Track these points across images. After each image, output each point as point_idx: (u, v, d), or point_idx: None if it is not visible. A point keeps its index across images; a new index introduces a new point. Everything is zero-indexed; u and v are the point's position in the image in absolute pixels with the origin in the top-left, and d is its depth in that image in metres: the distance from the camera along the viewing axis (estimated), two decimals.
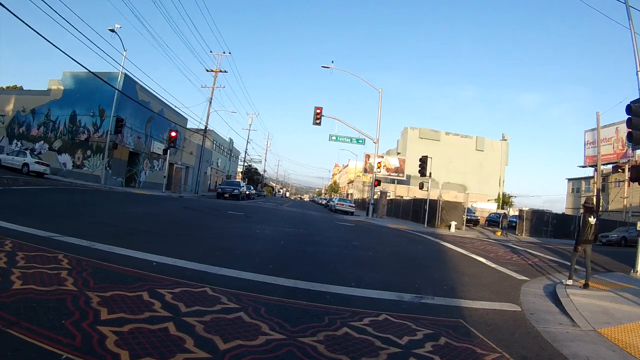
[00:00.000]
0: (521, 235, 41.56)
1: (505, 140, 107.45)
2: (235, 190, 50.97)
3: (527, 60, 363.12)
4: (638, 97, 17.26)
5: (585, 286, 11.83)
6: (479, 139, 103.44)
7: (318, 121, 41.05)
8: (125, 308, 5.21)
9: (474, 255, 17.88)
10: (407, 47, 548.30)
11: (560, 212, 57.44)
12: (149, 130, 51.09)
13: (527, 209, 46.80)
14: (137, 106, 45.69)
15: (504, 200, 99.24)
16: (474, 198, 78.33)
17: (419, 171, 39.04)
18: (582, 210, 13.75)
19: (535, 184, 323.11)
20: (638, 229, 17.45)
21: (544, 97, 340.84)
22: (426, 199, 40.05)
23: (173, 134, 45.28)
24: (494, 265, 15.24)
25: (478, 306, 8.32)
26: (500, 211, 78.46)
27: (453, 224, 36.13)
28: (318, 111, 41.05)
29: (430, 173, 38.39)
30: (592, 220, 12.64)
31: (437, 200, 42.52)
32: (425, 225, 38.24)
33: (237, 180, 72.74)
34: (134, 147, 47.72)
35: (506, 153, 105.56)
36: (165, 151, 46.49)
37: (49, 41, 27.01)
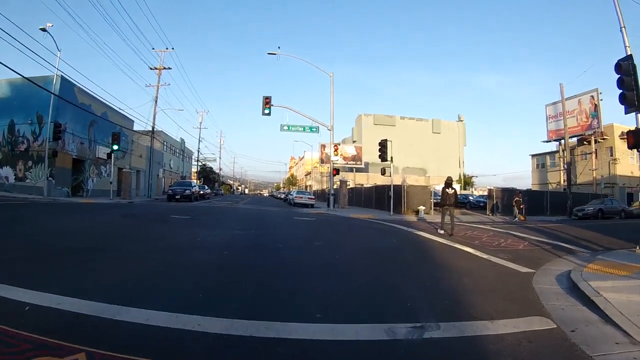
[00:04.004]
0: (492, 215, 40.44)
1: (462, 121, 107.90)
2: (187, 191, 48.68)
3: (478, 40, 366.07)
4: (625, 55, 15.59)
5: (451, 235, 18.62)
6: (435, 121, 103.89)
7: (267, 111, 39.27)
8: None
9: (457, 245, 15.57)
10: (355, 35, 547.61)
11: (525, 189, 55.81)
12: (93, 135, 48.33)
13: (495, 187, 45.22)
14: (78, 110, 42.94)
15: (466, 181, 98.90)
16: (435, 181, 76.81)
17: (379, 156, 36.86)
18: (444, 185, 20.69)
19: (494, 163, 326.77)
20: None
21: (498, 77, 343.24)
22: (389, 185, 38.12)
23: (115, 135, 43.07)
24: (485, 256, 12.96)
25: (502, 330, 5.81)
26: (470, 192, 77.70)
27: (422, 209, 34.29)
28: (267, 100, 39.15)
29: (391, 157, 36.18)
30: (449, 191, 19.91)
31: (401, 185, 40.99)
32: (392, 212, 36.36)
33: (188, 180, 70.01)
34: (78, 153, 45.03)
35: (463, 134, 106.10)
36: (109, 155, 43.97)
37: None
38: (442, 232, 19.61)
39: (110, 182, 44.88)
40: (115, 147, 42.89)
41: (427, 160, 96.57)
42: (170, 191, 49.82)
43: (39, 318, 5.28)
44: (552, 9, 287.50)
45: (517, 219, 35.11)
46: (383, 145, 36.57)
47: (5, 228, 15.16)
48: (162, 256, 10.82)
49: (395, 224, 26.07)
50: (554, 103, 64.74)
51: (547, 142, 70.47)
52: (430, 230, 21.67)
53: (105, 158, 46.46)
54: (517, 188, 47.92)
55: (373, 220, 28.90)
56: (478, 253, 13.67)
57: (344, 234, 20.13)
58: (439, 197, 25.83)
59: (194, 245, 13.02)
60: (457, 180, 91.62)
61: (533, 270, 10.61)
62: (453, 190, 20.19)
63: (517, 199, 36.79)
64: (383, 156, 36.37)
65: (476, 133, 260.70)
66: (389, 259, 12.56)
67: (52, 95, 37.90)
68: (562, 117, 53.33)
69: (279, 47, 42.08)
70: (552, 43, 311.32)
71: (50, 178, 39.39)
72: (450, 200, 19.78)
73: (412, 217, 33.22)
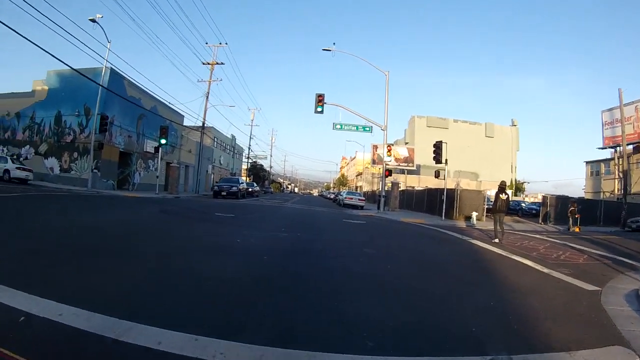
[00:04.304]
0: (545, 224, 39.12)
1: (515, 125, 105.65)
2: (234, 188, 47.80)
3: (531, 44, 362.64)
4: None
5: (500, 240, 18.66)
6: (488, 125, 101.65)
7: (320, 109, 38.25)
8: None
9: (516, 257, 14.46)
10: (411, 38, 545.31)
11: (577, 197, 54.04)
12: (141, 129, 48.51)
13: (550, 195, 43.72)
14: (126, 103, 42.86)
15: (517, 187, 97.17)
16: (487, 186, 75.36)
17: (434, 158, 36.00)
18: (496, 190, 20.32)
19: (544, 169, 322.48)
20: None
21: (551, 81, 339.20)
22: (442, 189, 36.99)
23: (163, 129, 42.95)
24: (546, 270, 11.86)
25: None
26: (521, 199, 76.06)
27: (474, 215, 32.82)
28: (320, 98, 38.14)
29: (446, 160, 35.19)
30: (502, 196, 19.62)
31: (454, 189, 39.74)
32: (443, 217, 35.24)
33: (236, 177, 69.14)
34: (125, 146, 45.15)
35: (516, 138, 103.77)
36: (157, 149, 43.53)
37: (24, 37, 24.29)
38: (496, 240, 18.81)
39: (157, 177, 44.65)
40: (163, 141, 42.69)
41: (479, 165, 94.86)
42: (216, 187, 49.35)
43: (32, 333, 4.48)
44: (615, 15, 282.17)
45: (571, 229, 33.62)
46: (438, 147, 35.73)
47: (29, 220, 14.38)
48: (191, 260, 9.71)
49: (449, 230, 24.97)
50: (610, 109, 62.79)
51: (602, 149, 68.12)
52: (485, 239, 20.61)
53: (153, 152, 46.09)
54: (571, 196, 46.35)
55: (425, 226, 27.78)
56: (538, 267, 12.60)
57: (395, 241, 18.80)
58: (490, 203, 24.98)
59: (231, 249, 11.88)
60: (508, 186, 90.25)
61: (599, 289, 9.59)
62: (506, 196, 20.00)
63: (572, 208, 35.12)
64: (437, 158, 35.53)
65: (528, 138, 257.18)
66: (446, 272, 11.40)
67: (100, 87, 37.64)
68: (618, 124, 51.76)
69: (333, 44, 41.79)
70: (608, 47, 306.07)
71: (95, 170, 39.37)
72: (503, 206, 19.72)
73: (464, 224, 32.17)
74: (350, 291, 7.94)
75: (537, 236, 24.61)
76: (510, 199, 21.82)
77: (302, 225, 21.22)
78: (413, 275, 10.40)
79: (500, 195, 19.66)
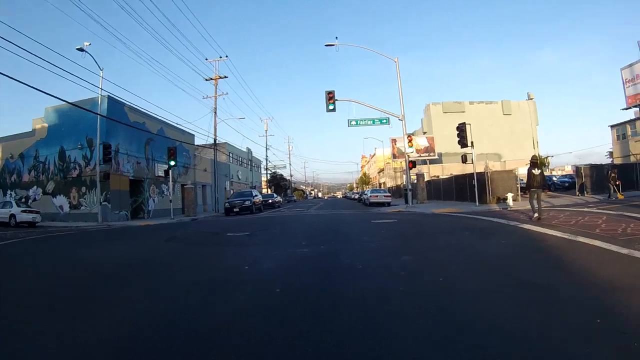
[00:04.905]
0: (582, 195, 37.36)
1: (532, 99, 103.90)
2: (246, 202, 45.03)
3: (538, 16, 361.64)
4: None
5: (538, 219, 17.93)
6: (505, 102, 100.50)
7: (332, 107, 36.79)
8: None
9: (580, 238, 11.98)
10: (419, 29, 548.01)
11: (606, 164, 51.97)
12: (150, 153, 47.34)
13: (583, 165, 41.62)
14: (130, 129, 41.81)
15: (542, 162, 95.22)
16: (512, 165, 73.24)
17: (459, 141, 34.04)
18: (528, 165, 20.01)
19: (565, 140, 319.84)
20: None
21: (564, 50, 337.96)
22: (471, 174, 35.45)
23: (171, 150, 41.24)
24: (624, 251, 9.53)
25: None
26: (549, 173, 74.10)
27: (510, 195, 31.13)
28: (330, 95, 36.57)
29: (472, 142, 33.26)
30: (535, 171, 19.12)
31: (484, 172, 37.84)
32: (477, 203, 33.32)
33: (248, 190, 65.28)
34: (134, 174, 43.95)
35: (534, 112, 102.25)
36: (166, 172, 42.02)
37: (18, 80, 23.17)
38: (536, 215, 18.45)
39: (170, 201, 43.05)
40: (172, 162, 41.02)
41: (501, 145, 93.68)
42: (226, 204, 46.69)
43: None
44: None
45: (612, 197, 32.05)
46: (461, 129, 33.99)
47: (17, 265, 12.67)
48: (175, 303, 7.21)
49: (488, 216, 22.76)
50: (630, 65, 60.34)
51: (626, 109, 65.63)
52: (532, 220, 18.34)
53: (164, 176, 44.60)
54: (602, 164, 44.82)
55: (461, 215, 25.66)
56: (612, 247, 10.26)
57: (435, 238, 15.63)
58: (523, 182, 23.63)
59: (235, 279, 9.22)
60: None
61: None
62: (539, 171, 19.44)
63: (613, 174, 33.05)
64: (462, 141, 33.67)
65: (545, 112, 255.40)
66: (507, 277, 8.15)
67: (99, 116, 36.69)
68: None
69: (336, 38, 40.61)
70: (623, 7, 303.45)
71: (104, 202, 38.44)
72: (538, 182, 19.15)
73: (501, 206, 30.43)
74: (395, 331, 5.19)
75: (586, 209, 22.90)
76: (544, 174, 20.40)
77: (326, 235, 18.30)
78: (470, 286, 7.56)
79: (533, 171, 19.23)
